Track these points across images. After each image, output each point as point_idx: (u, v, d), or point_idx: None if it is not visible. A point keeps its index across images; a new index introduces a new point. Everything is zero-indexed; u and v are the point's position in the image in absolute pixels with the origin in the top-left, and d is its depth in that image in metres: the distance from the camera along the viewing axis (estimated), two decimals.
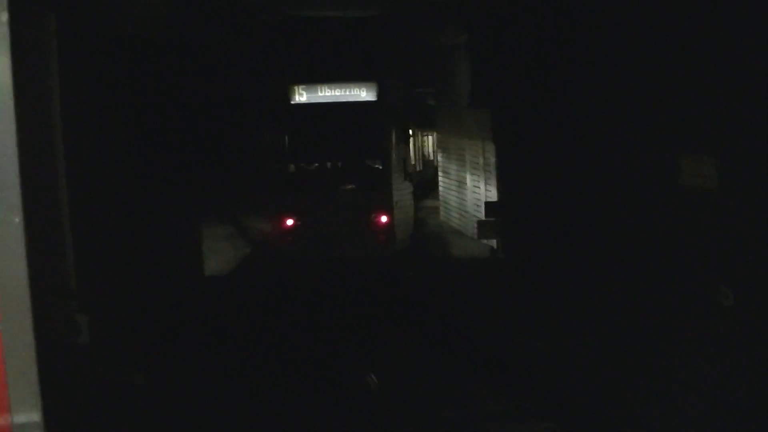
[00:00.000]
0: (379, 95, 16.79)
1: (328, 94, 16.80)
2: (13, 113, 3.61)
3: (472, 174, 18.48)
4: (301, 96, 16.72)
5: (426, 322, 12.84)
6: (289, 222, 16.31)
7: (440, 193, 21.69)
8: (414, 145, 23.57)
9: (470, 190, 18.49)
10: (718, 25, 7.84)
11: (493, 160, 15.85)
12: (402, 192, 17.55)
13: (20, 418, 3.74)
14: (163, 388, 7.44)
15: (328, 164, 17.39)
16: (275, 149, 17.29)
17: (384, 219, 16.58)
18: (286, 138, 16.89)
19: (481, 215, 15.32)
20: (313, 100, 16.76)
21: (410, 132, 22.50)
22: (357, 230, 16.12)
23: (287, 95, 16.62)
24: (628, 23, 9.55)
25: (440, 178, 21.72)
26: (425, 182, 24.46)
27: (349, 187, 16.83)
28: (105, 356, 5.14)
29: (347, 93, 16.90)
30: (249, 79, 19.92)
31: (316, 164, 17.29)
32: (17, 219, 3.66)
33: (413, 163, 23.04)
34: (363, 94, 16.87)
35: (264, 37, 18.35)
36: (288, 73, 17.26)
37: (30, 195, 3.68)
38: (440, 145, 22.35)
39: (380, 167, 17.20)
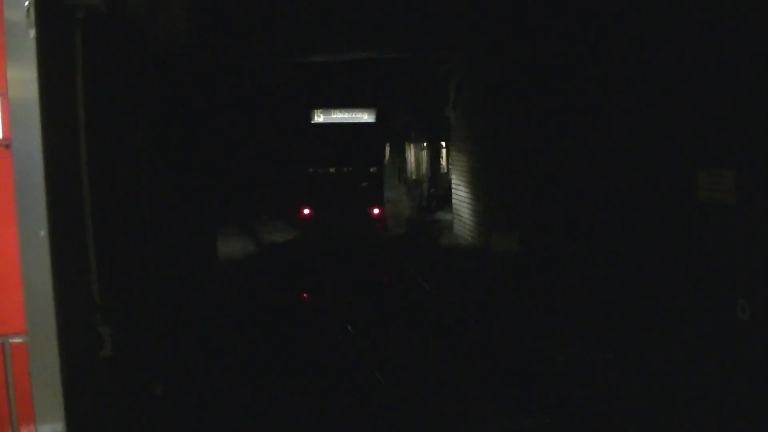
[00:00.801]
0: (376, 118, 22.60)
1: (338, 116, 22.50)
2: (39, 129, 3.71)
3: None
4: (319, 117, 22.44)
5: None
6: (307, 211, 21.95)
7: (453, 205, 21.90)
8: (425, 156, 30.35)
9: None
10: (736, 35, 7.83)
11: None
12: (396, 191, 25.38)
13: (45, 428, 3.82)
14: (179, 391, 7.55)
15: (337, 169, 23.09)
16: (298, 157, 22.87)
17: (377, 211, 22.59)
18: (307, 149, 22.56)
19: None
20: (327, 121, 22.46)
21: (406, 145, 30.92)
22: (357, 218, 21.63)
23: (309, 116, 22.35)
24: (646, 31, 9.56)
25: (453, 191, 21.94)
26: (440, 196, 25.81)
27: (351, 186, 22.51)
28: (127, 367, 5.20)
29: (353, 116, 22.59)
30: (279, 104, 24.76)
31: (329, 169, 23.00)
32: (42, 232, 3.75)
33: (411, 169, 32.24)
34: (365, 117, 22.62)
35: (290, 71, 23.48)
36: (309, 100, 22.70)
37: (55, 208, 3.76)
38: (453, 158, 22.65)
39: (376, 172, 23.40)
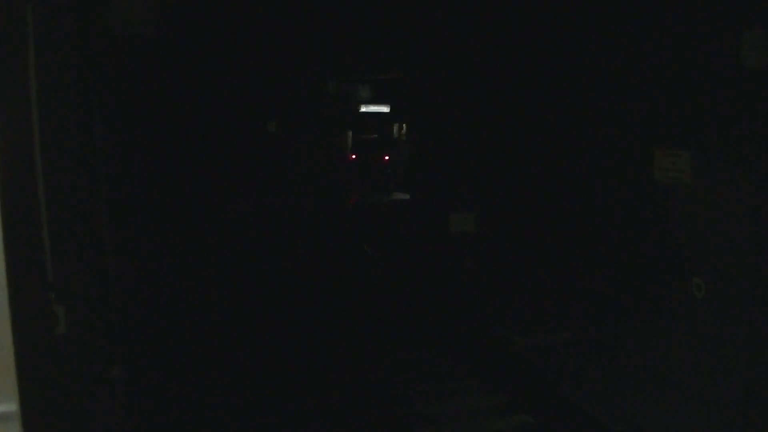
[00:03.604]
0: (390, 110, 32.59)
1: (372, 108, 32.53)
2: None
3: None
4: (362, 108, 32.37)
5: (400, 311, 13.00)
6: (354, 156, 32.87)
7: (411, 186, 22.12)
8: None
9: None
10: (689, 17, 7.90)
11: None
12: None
13: None
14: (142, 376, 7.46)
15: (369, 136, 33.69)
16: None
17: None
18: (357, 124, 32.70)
19: None
20: (366, 110, 32.48)
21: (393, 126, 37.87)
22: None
23: (357, 108, 32.17)
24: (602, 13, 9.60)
25: (411, 172, 22.10)
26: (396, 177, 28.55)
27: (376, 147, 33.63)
28: (82, 348, 5.13)
29: (377, 108, 32.52)
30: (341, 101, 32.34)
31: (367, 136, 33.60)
32: None
33: None
34: (384, 108, 32.52)
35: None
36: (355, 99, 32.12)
37: (6, 184, 3.68)
38: (411, 139, 23.15)
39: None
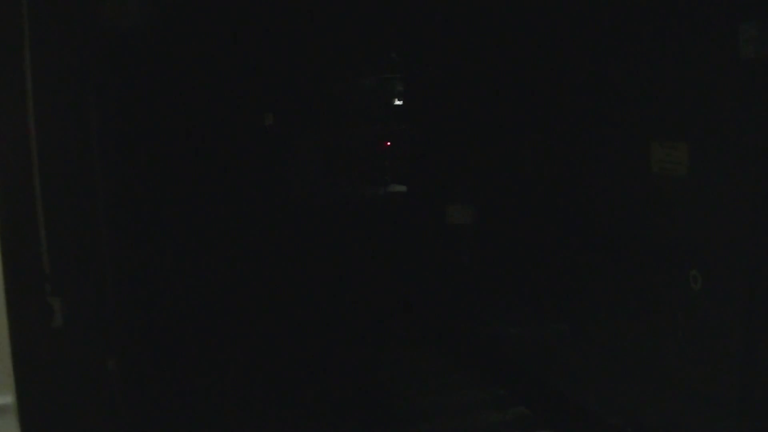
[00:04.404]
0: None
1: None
2: None
3: None
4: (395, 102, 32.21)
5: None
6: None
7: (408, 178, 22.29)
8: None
9: None
10: (686, 8, 7.89)
11: None
12: None
13: None
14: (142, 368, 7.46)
15: None
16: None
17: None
18: None
19: None
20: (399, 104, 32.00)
21: None
22: None
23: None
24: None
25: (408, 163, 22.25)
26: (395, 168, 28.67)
27: None
28: (79, 340, 5.12)
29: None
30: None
31: None
32: None
33: None
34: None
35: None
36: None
37: (2, 176, 3.66)
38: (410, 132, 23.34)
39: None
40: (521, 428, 7.77)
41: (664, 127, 8.33)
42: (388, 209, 23.92)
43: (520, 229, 12.31)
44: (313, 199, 27.53)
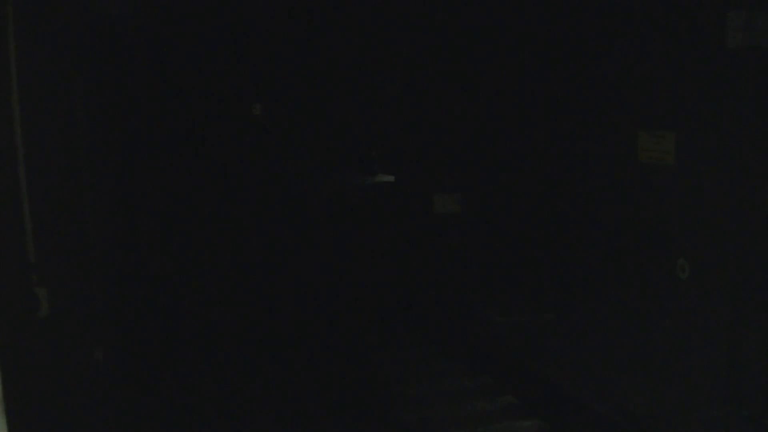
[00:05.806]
0: None
1: None
2: None
3: None
4: None
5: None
6: None
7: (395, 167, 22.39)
8: None
9: None
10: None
11: None
12: None
13: None
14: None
15: None
16: None
17: None
18: None
19: None
20: None
21: None
22: None
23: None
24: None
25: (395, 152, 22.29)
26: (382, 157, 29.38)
27: None
28: (65, 330, 5.10)
29: None
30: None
31: None
32: None
33: None
34: None
35: None
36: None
37: None
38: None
39: None
40: (509, 417, 7.80)
41: (651, 116, 8.34)
42: (376, 199, 23.89)
43: (508, 219, 12.31)
44: (301, 188, 27.46)
